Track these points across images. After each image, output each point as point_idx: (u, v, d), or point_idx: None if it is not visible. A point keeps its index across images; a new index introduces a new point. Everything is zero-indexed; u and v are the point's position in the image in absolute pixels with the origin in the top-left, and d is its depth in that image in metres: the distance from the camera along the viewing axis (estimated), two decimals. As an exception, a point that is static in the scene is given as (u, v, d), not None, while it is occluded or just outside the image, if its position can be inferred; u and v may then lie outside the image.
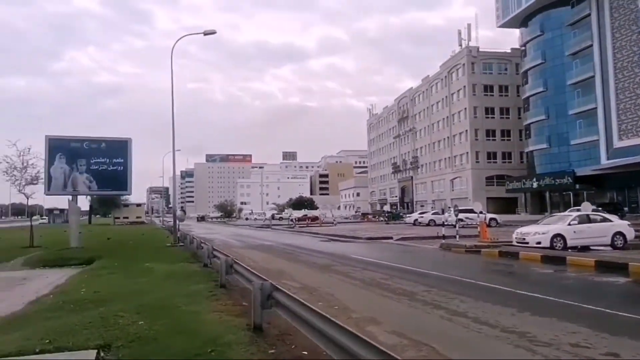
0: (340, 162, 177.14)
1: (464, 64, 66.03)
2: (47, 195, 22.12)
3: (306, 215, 62.70)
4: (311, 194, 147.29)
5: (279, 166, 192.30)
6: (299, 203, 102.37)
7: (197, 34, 24.66)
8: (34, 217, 38.28)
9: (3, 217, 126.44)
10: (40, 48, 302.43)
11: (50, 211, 79.77)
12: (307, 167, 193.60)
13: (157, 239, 27.42)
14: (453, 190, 68.72)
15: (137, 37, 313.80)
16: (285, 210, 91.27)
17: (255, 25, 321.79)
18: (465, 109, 65.47)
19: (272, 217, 69.10)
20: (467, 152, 65.07)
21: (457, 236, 20.36)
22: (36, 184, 22.47)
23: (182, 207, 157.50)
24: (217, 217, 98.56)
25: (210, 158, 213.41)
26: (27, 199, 23.96)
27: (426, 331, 6.63)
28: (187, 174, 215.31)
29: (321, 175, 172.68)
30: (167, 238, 27.21)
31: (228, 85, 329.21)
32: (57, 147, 21.10)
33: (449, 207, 36.34)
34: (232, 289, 9.61)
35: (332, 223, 49.63)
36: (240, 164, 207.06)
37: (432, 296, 9.16)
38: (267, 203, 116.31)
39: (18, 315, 7.62)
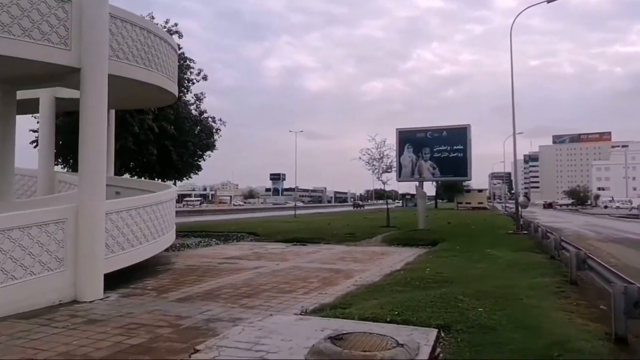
0: None
1: None
2: (398, 181, 25.11)
3: (694, 204, 48.65)
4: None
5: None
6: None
7: (540, 3, 22.66)
8: (389, 201, 44.15)
9: (368, 201, 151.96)
10: (393, 52, 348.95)
11: (403, 196, 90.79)
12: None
13: (498, 226, 26.93)
14: None
15: (477, 23, 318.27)
16: (661, 197, 73.58)
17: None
18: None
19: (641, 205, 56.94)
20: None
21: None
22: (390, 172, 25.88)
23: (525, 193, 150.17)
24: (566, 205, 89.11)
25: (557, 139, 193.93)
26: (384, 184, 27.88)
27: None
28: (530, 158, 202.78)
29: None
30: (510, 225, 26.32)
31: (578, 54, 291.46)
32: (406, 139, 23.59)
33: None
34: (585, 287, 8.31)
35: None
36: (595, 143, 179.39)
37: None
38: (634, 189, 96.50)
39: (376, 285, 8.81)
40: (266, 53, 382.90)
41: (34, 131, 19.01)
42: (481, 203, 74.23)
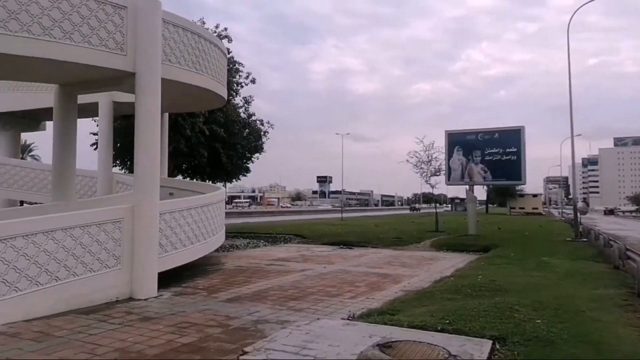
0: None
1: None
2: (447, 185, 24.46)
3: None
4: None
5: None
6: None
7: (598, -2, 21.42)
8: (438, 205, 43.12)
9: (416, 204, 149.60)
10: (441, 52, 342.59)
11: (452, 200, 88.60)
12: None
13: (555, 232, 25.67)
14: None
15: (530, 22, 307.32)
16: None
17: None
18: None
19: None
20: None
21: None
22: (439, 175, 25.27)
23: (584, 199, 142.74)
24: (629, 211, 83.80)
25: (619, 142, 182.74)
26: (432, 188, 27.28)
27: None
28: (589, 162, 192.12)
29: None
30: (567, 232, 25.02)
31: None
32: (455, 141, 22.96)
33: None
34: (655, 301, 7.69)
35: None
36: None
37: None
38: None
39: (425, 292, 8.55)
40: (313, 56, 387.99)
41: (94, 134, 20.01)
42: (536, 208, 70.97)
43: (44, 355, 5.11)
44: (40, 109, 14.77)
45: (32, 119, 17.38)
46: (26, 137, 40.14)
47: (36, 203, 15.19)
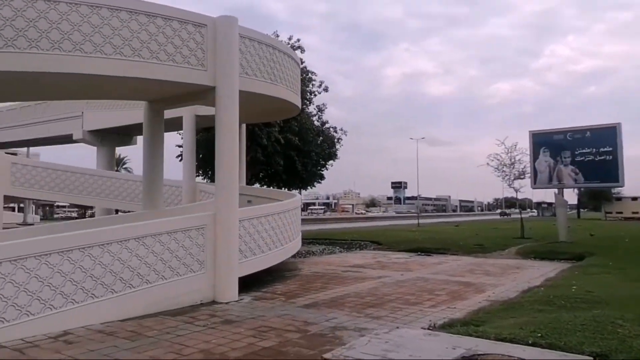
0: None
1: None
2: (533, 188, 22.94)
3: None
4: None
5: None
6: None
7: None
8: (524, 210, 40.65)
9: (497, 210, 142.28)
10: (521, 49, 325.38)
11: (538, 204, 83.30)
12: None
13: (660, 239, 23.09)
14: None
15: (622, 10, 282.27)
16: None
17: None
18: None
19: None
20: None
21: None
22: (523, 178, 23.78)
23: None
24: None
25: None
26: (516, 192, 25.73)
27: None
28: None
29: None
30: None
31: None
32: (541, 142, 21.50)
33: None
34: None
35: None
36: None
37: None
38: None
39: (512, 302, 8.01)
40: (385, 62, 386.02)
41: (179, 146, 21.25)
42: (636, 212, 64.50)
43: (136, 354, 5.43)
44: (132, 124, 16.01)
45: (125, 134, 18.90)
46: (120, 151, 43.66)
47: (129, 211, 16.42)
